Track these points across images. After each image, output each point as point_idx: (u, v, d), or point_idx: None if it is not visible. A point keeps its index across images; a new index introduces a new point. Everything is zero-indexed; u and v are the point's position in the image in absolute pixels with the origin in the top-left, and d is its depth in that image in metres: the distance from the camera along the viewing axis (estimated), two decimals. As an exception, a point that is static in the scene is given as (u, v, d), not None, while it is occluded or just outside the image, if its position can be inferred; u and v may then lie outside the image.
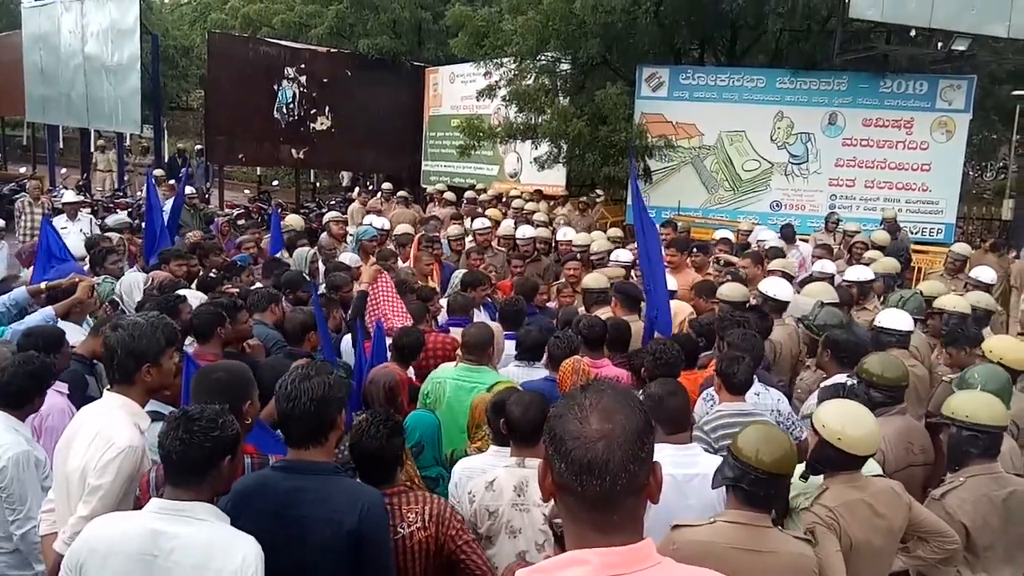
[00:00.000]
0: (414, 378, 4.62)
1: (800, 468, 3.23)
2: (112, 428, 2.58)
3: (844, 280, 6.63)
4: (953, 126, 13.08)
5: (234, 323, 4.42)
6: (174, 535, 2.11)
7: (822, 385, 4.17)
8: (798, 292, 6.04)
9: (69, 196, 10.51)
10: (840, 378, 4.08)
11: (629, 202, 13.97)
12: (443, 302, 6.01)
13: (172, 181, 13.59)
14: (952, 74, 12.98)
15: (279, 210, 10.95)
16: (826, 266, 7.20)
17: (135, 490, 2.60)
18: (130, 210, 11.24)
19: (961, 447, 3.24)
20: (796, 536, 2.66)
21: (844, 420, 2.88)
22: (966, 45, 11.56)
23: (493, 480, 3.04)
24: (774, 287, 5.62)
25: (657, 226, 6.81)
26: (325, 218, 9.57)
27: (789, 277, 6.49)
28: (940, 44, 11.81)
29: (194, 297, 5.26)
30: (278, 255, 7.81)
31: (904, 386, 3.79)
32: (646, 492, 1.31)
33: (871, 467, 3.09)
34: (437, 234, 8.76)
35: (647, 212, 5.50)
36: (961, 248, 8.59)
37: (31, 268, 6.83)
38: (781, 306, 5.55)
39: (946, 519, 3.09)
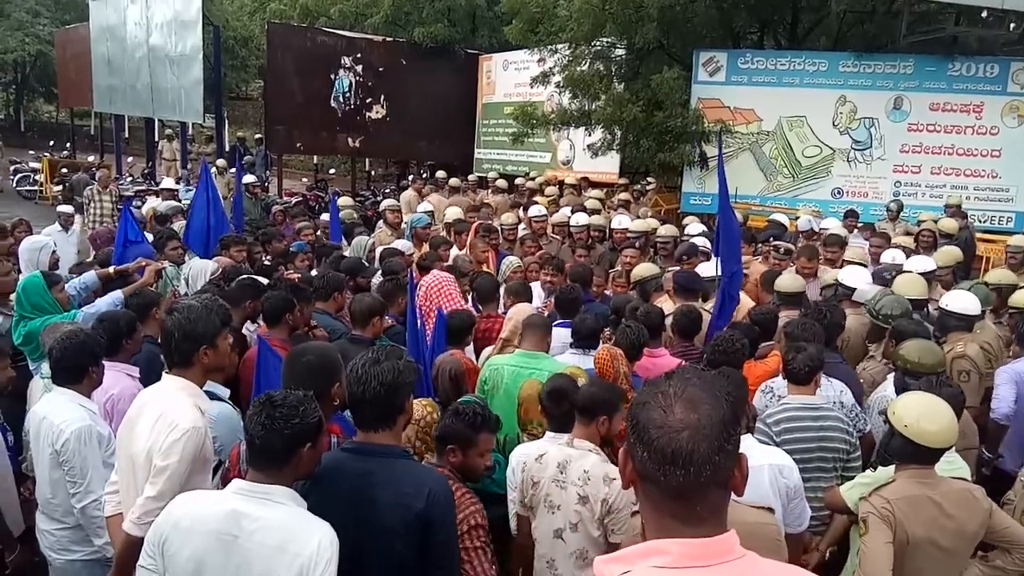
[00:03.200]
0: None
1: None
2: (175, 410, 2.66)
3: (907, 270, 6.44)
4: (1026, 110, 12.56)
5: (301, 310, 4.51)
6: (256, 517, 2.15)
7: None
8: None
9: (168, 182, 11.10)
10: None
11: (686, 189, 13.85)
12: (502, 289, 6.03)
13: (233, 170, 13.91)
14: (1025, 56, 12.46)
15: (336, 197, 11.10)
16: (896, 256, 6.97)
17: (201, 469, 2.68)
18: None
19: None
20: (756, 505, 2.66)
21: (919, 410, 2.83)
22: (1041, 25, 11.08)
23: (543, 454, 3.16)
24: (852, 277, 5.53)
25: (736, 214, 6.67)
26: (381, 206, 9.68)
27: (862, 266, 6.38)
28: (1012, 25, 11.33)
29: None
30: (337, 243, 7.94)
31: (941, 372, 3.74)
32: (731, 484, 1.29)
33: (956, 466, 3.01)
34: (492, 221, 8.79)
35: (728, 199, 5.39)
36: (1019, 240, 7.86)
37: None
38: (851, 294, 5.46)
39: None
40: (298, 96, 17.10)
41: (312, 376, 2.71)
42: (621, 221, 8.65)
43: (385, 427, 2.40)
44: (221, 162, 14.87)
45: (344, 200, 10.76)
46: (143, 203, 10.88)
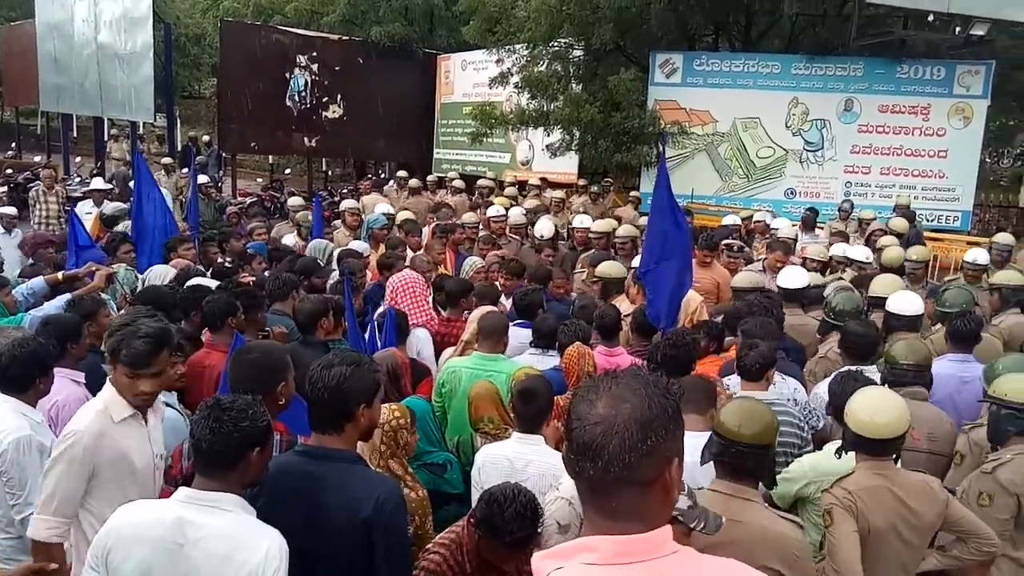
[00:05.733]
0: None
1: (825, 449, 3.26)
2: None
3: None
4: (971, 112, 12.93)
5: (254, 315, 4.43)
6: (201, 525, 2.12)
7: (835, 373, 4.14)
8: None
9: (97, 183, 10.81)
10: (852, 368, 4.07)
11: (643, 190, 13.96)
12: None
13: (184, 170, 13.63)
14: (970, 59, 12.82)
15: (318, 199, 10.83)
16: (847, 250, 7.13)
17: (87, 472, 2.75)
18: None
19: (1000, 425, 3.29)
20: (786, 517, 2.67)
21: (872, 405, 2.88)
22: (985, 30, 11.39)
23: (512, 454, 3.16)
24: (789, 279, 5.64)
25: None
26: (340, 207, 9.56)
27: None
28: (958, 29, 11.65)
29: (209, 285, 5.26)
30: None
31: (925, 368, 3.83)
32: (657, 486, 1.26)
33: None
34: (450, 222, 8.74)
35: (674, 199, 5.40)
36: (1004, 238, 7.94)
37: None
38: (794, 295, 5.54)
39: (1000, 492, 3.12)
40: (252, 95, 16.83)
41: (258, 374, 2.70)
42: (583, 220, 8.67)
43: (334, 431, 2.37)
44: (167, 160, 14.56)
45: (296, 200, 10.62)
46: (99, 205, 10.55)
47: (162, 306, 4.13)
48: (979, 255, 6.86)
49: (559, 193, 12.27)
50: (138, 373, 2.83)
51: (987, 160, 19.53)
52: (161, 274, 6.13)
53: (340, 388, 2.36)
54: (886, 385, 3.56)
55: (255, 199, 15.52)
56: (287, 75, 17.37)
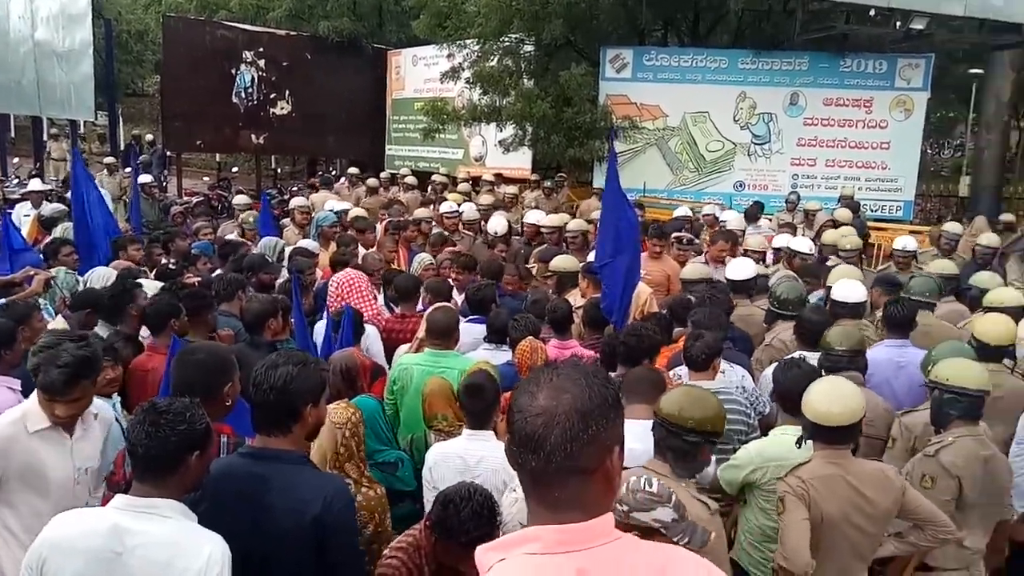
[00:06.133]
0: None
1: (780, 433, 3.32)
2: None
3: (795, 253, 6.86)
4: (912, 104, 13.29)
5: (204, 316, 4.33)
6: (139, 532, 2.06)
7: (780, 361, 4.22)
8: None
9: (35, 184, 10.47)
10: (796, 355, 4.15)
11: (597, 184, 14.04)
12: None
13: (128, 170, 13.28)
14: (910, 53, 13.17)
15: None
16: (796, 243, 7.27)
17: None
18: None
19: (943, 409, 3.37)
20: (700, 498, 2.70)
21: (828, 395, 2.94)
22: (924, 24, 11.69)
23: (464, 451, 3.13)
24: (736, 270, 5.72)
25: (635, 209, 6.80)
26: (290, 204, 9.41)
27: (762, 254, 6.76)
28: (898, 23, 11.94)
29: (150, 287, 5.13)
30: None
31: (859, 353, 3.93)
32: (598, 475, 1.28)
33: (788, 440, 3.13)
34: (402, 219, 8.67)
35: (623, 193, 5.43)
36: (953, 227, 8.20)
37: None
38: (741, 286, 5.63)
39: (942, 474, 3.19)
40: (197, 92, 16.43)
41: (203, 375, 2.67)
42: (533, 216, 8.67)
43: (280, 432, 2.33)
44: (110, 160, 14.18)
45: (242, 199, 10.43)
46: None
47: (98, 309, 4.02)
48: (908, 242, 7.08)
49: (512, 189, 12.28)
50: (54, 399, 2.76)
51: (928, 151, 20.14)
52: (102, 276, 5.94)
53: (287, 388, 2.31)
54: (823, 372, 3.63)
55: (201, 198, 15.19)
56: (233, 71, 17.03)
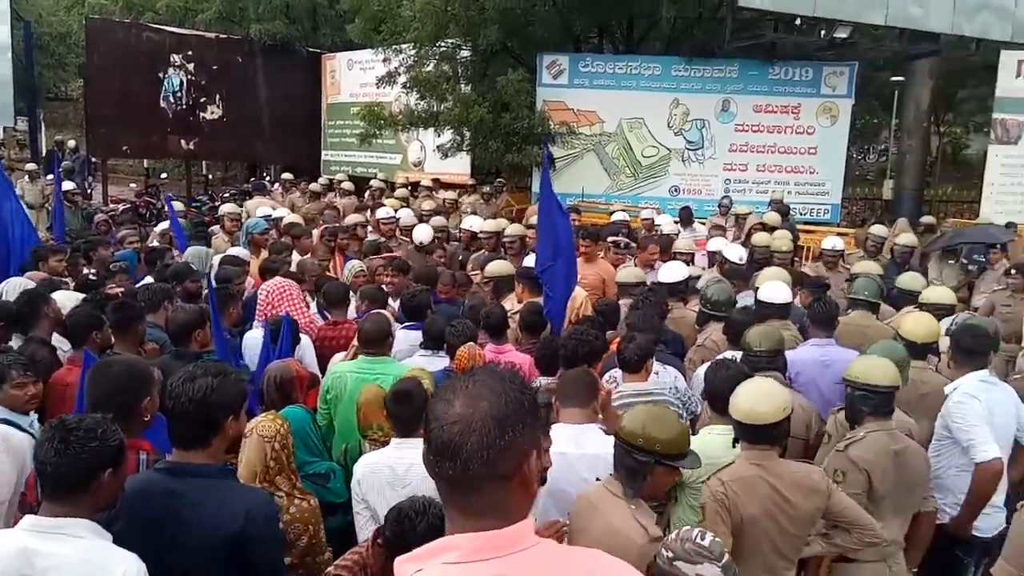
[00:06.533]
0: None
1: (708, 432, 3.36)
2: None
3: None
4: (837, 111, 13.73)
5: (132, 327, 4.18)
6: (49, 553, 1.98)
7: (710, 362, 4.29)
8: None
9: None
10: (727, 355, 4.22)
11: (535, 189, 14.08)
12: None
13: (50, 177, 12.75)
14: (835, 61, 13.61)
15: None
16: (729, 251, 7.40)
17: None
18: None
19: (855, 405, 3.45)
20: (641, 523, 2.65)
21: (754, 396, 2.97)
22: (847, 33, 12.11)
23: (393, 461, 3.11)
24: (668, 273, 5.81)
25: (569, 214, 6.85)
26: (220, 211, 9.17)
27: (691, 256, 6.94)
28: (823, 32, 12.32)
29: (70, 299, 4.92)
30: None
31: (778, 353, 4.01)
32: (516, 481, 1.27)
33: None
34: (336, 225, 8.53)
35: (556, 199, 5.45)
36: (879, 229, 8.51)
37: None
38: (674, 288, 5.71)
39: (851, 468, 3.25)
40: (123, 96, 15.89)
41: (119, 390, 2.59)
42: (471, 222, 8.64)
43: (198, 446, 2.25)
44: (31, 166, 13.60)
45: (175, 205, 10.12)
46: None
47: (10, 323, 3.84)
48: (836, 242, 7.33)
49: (451, 194, 12.23)
50: None
51: (853, 156, 20.84)
52: (18, 286, 5.67)
53: (206, 401, 2.27)
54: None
55: (128, 206, 14.68)
56: (160, 75, 16.55)
